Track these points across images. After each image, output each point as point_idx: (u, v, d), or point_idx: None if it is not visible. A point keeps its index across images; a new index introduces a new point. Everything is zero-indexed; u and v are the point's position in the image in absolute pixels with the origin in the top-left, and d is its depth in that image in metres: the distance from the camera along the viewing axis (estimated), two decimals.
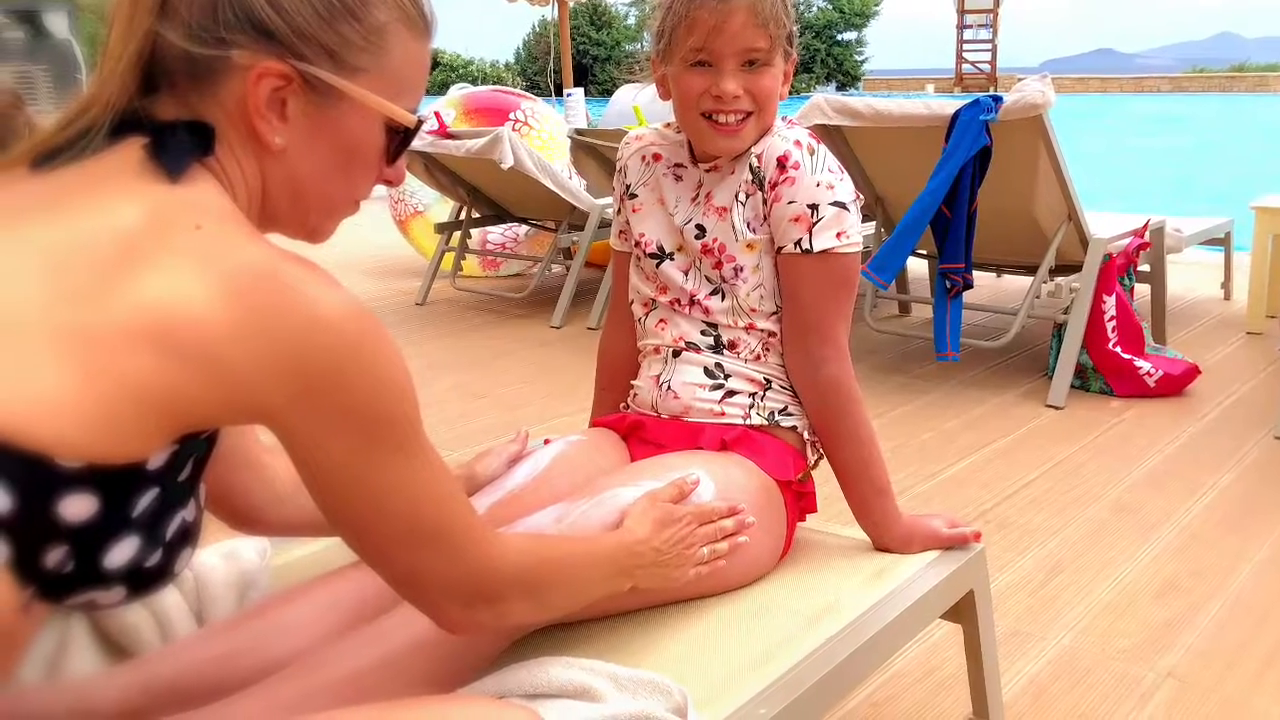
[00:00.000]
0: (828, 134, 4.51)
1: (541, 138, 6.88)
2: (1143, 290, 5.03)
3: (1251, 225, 5.30)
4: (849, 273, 1.86)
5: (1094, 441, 3.95)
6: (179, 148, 1.07)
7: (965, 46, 43.46)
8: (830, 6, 45.83)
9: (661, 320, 1.96)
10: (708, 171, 1.92)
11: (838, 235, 1.82)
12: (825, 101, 4.50)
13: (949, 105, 4.14)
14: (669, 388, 1.92)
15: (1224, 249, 6.06)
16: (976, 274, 4.40)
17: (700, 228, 1.90)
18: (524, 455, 1.87)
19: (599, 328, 5.45)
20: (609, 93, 9.69)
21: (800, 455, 1.93)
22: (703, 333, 1.92)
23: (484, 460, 1.85)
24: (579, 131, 6.36)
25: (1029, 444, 3.93)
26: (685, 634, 1.65)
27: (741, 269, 1.87)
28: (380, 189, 1.31)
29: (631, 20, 41.83)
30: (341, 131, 1.16)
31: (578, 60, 34.80)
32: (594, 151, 6.11)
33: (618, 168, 2.06)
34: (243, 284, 0.98)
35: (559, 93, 11.12)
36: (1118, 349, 4.42)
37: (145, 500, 0.99)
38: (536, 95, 7.48)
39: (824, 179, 1.82)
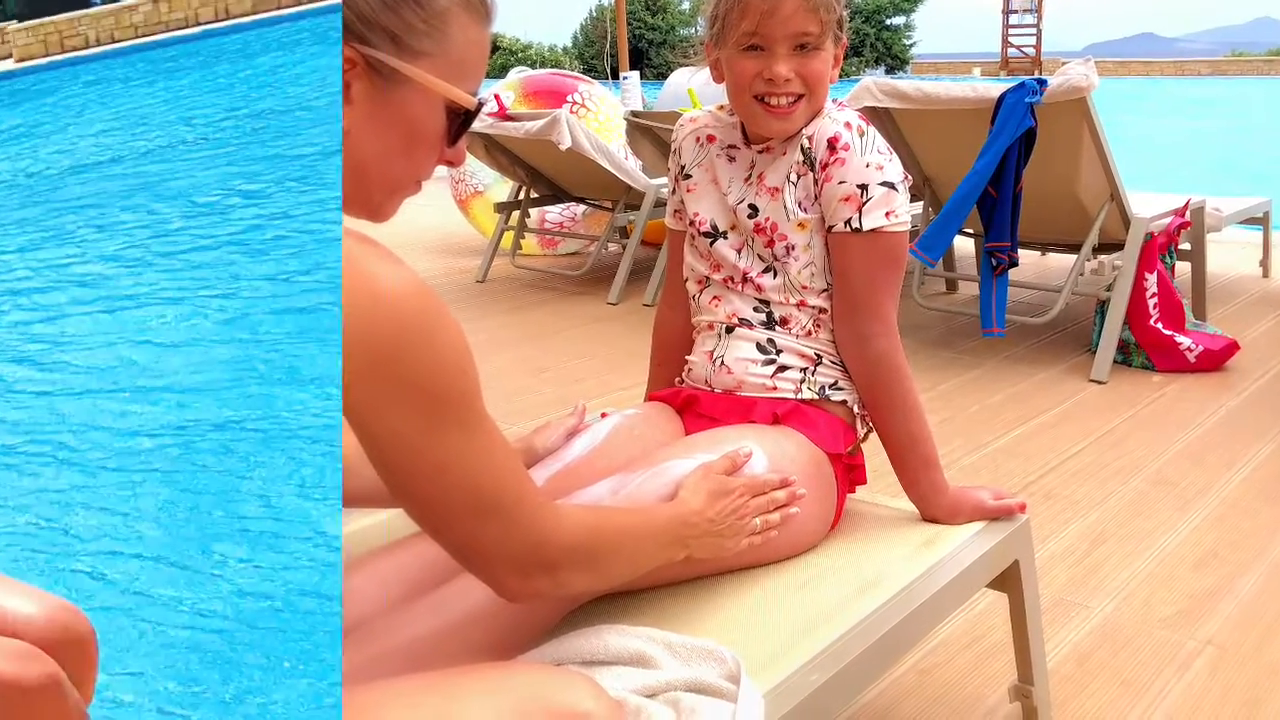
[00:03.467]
0: (877, 116, 4.51)
1: (598, 119, 6.89)
2: (1183, 268, 5.02)
3: None
4: (897, 251, 1.88)
5: (1136, 415, 3.95)
6: None
7: (1011, 31, 43.08)
8: None
9: (715, 297, 1.98)
10: (760, 153, 1.94)
11: (886, 214, 1.84)
12: (874, 84, 4.50)
13: (995, 88, 4.14)
14: (722, 363, 1.95)
15: (1262, 228, 6.07)
16: (1021, 252, 4.40)
17: (753, 207, 1.92)
18: (582, 428, 1.89)
19: (654, 304, 5.45)
20: (664, 76, 9.70)
21: (850, 428, 1.94)
22: (755, 309, 1.94)
23: (542, 433, 1.87)
24: (635, 113, 6.38)
25: (1073, 418, 3.94)
26: (737, 603, 1.68)
27: (793, 247, 1.89)
28: (441, 169, 1.32)
29: (686, 5, 41.54)
30: (404, 114, 1.18)
31: (633, 44, 34.63)
32: (649, 133, 6.12)
33: (673, 149, 2.07)
34: None
35: (615, 76, 11.09)
36: (1159, 325, 4.42)
37: None
38: (593, 78, 7.48)
39: (873, 160, 1.84)
